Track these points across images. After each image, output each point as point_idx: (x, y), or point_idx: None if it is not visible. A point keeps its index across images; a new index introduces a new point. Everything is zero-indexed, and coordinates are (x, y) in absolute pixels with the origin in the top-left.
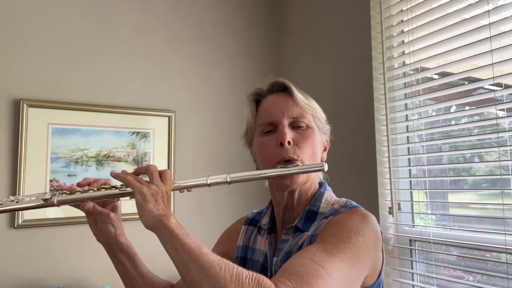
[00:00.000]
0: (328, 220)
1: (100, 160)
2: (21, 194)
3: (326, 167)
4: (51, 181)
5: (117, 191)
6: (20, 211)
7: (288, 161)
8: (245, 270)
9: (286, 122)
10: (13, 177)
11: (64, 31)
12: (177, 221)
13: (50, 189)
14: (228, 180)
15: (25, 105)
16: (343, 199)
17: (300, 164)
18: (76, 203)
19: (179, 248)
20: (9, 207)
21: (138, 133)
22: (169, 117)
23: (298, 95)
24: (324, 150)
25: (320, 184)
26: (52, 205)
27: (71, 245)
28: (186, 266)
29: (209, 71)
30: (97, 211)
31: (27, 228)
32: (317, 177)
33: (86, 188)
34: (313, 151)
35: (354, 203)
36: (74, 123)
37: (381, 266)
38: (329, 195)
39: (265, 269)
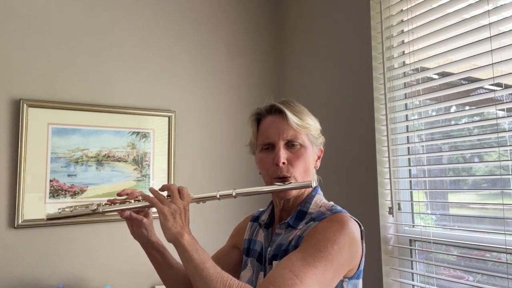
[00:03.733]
0: (314, 224)
1: (100, 160)
2: (73, 206)
3: (314, 184)
4: (51, 181)
5: (146, 203)
6: (20, 211)
7: (283, 178)
8: (236, 281)
9: (281, 143)
10: (13, 177)
11: (64, 31)
12: (191, 236)
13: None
14: (234, 194)
15: (25, 105)
16: (330, 203)
17: (293, 181)
18: (116, 211)
19: (189, 262)
20: (66, 214)
21: (138, 133)
22: (169, 117)
23: (292, 118)
24: (318, 158)
25: (314, 188)
26: (98, 213)
27: (71, 245)
28: (193, 276)
29: (209, 71)
30: (133, 217)
31: (27, 228)
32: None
33: (123, 197)
34: (305, 167)
35: (338, 207)
36: (74, 123)
37: (360, 260)
38: (319, 198)
39: (261, 257)
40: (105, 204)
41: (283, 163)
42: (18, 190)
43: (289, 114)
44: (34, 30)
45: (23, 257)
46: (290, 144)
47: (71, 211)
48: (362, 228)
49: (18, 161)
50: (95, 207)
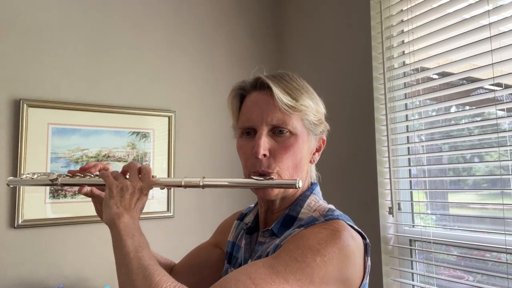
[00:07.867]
0: (299, 230)
1: (100, 160)
2: (36, 173)
3: (299, 184)
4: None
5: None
6: (20, 211)
7: (262, 174)
8: (169, 280)
9: (264, 130)
10: (13, 177)
11: (64, 31)
12: (133, 220)
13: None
14: (201, 184)
15: (25, 105)
16: (327, 207)
17: (275, 178)
18: (76, 186)
19: (119, 248)
20: (27, 183)
21: (138, 133)
22: (169, 117)
23: (281, 97)
24: (317, 151)
25: (310, 185)
26: (56, 185)
27: (71, 245)
28: (119, 267)
29: (209, 71)
30: (95, 194)
31: (27, 228)
32: (308, 178)
33: (86, 173)
34: (295, 161)
35: (336, 213)
36: (74, 123)
37: (362, 281)
38: (314, 199)
39: None
40: (66, 175)
41: (264, 155)
42: (18, 190)
43: (276, 92)
44: (34, 30)
45: (23, 257)
46: (277, 131)
47: (32, 178)
48: (368, 241)
49: (18, 161)
50: (55, 177)
